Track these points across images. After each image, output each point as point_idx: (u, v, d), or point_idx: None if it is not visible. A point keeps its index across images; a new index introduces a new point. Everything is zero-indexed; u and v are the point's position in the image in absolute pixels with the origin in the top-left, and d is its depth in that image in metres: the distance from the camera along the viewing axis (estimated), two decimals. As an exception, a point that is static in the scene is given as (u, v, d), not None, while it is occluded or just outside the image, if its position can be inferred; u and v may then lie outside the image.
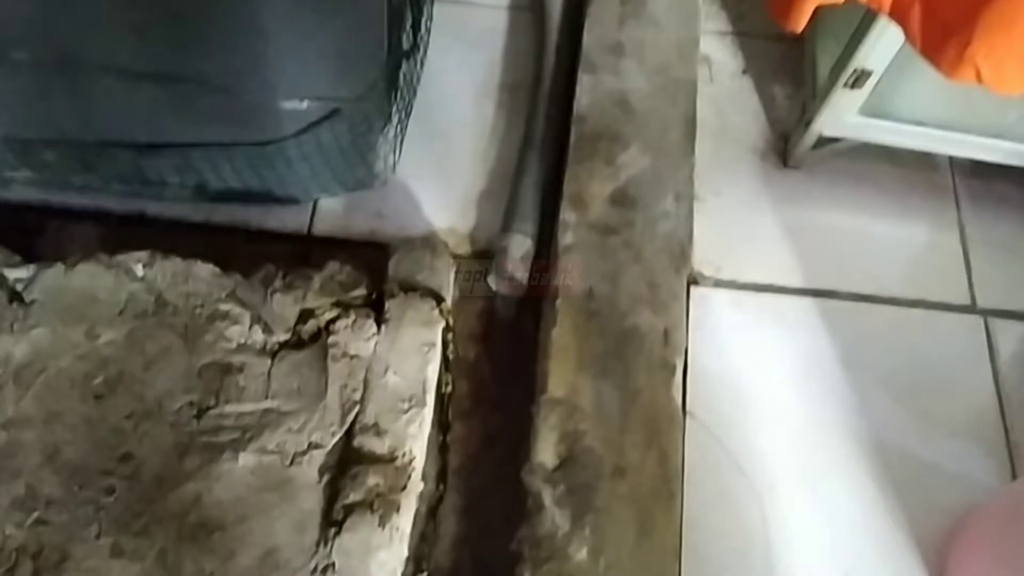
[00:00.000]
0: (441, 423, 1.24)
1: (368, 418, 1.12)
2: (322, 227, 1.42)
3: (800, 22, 1.14)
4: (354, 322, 1.18)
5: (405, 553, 1.09)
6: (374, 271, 1.26)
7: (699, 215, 1.41)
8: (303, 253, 1.34)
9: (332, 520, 1.05)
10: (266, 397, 1.13)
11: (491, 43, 1.65)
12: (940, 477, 1.28)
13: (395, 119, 1.38)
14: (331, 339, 1.17)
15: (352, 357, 1.16)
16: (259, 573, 1.02)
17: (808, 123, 1.42)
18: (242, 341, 1.17)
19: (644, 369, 1.21)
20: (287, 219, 1.41)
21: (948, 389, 1.35)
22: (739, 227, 1.47)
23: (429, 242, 1.34)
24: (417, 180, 1.47)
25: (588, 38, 1.50)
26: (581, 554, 1.07)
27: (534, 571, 1.06)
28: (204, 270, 1.21)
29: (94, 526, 1.03)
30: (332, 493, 1.07)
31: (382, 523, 1.05)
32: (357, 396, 1.14)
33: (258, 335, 1.17)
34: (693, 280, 1.39)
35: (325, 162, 1.29)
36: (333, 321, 1.19)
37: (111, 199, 1.37)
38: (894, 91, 1.33)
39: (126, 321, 1.16)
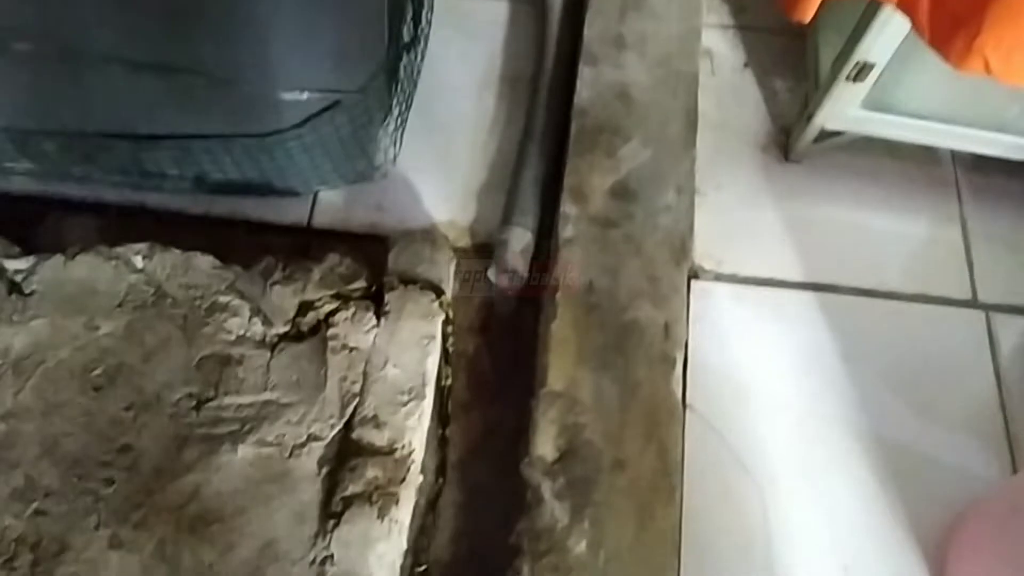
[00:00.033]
0: (440, 416, 1.24)
1: (367, 410, 1.12)
2: (322, 219, 1.41)
3: (808, 12, 1.13)
4: (354, 314, 1.18)
5: (404, 545, 1.09)
6: (374, 264, 1.26)
7: (700, 209, 1.40)
8: (303, 245, 1.34)
9: (331, 512, 1.05)
10: (265, 389, 1.13)
11: (492, 35, 1.64)
12: (940, 471, 1.27)
13: (395, 111, 1.38)
14: (330, 331, 1.17)
15: (351, 349, 1.16)
16: (258, 565, 1.02)
17: (810, 117, 1.41)
18: (241, 333, 1.17)
19: (644, 362, 1.20)
20: (287, 211, 1.41)
21: (949, 383, 1.35)
22: (740, 221, 1.46)
23: (429, 235, 1.34)
24: (417, 173, 1.46)
25: (589, 30, 1.50)
26: (580, 547, 1.07)
27: (533, 564, 1.06)
28: (204, 262, 1.21)
29: (93, 517, 1.04)
30: (331, 485, 1.07)
31: (381, 515, 1.05)
32: (356, 388, 1.13)
33: (257, 327, 1.17)
34: (694, 274, 1.38)
35: (325, 154, 1.28)
36: (333, 313, 1.19)
37: (111, 191, 1.37)
38: (896, 84, 1.33)
39: (125, 313, 1.16)
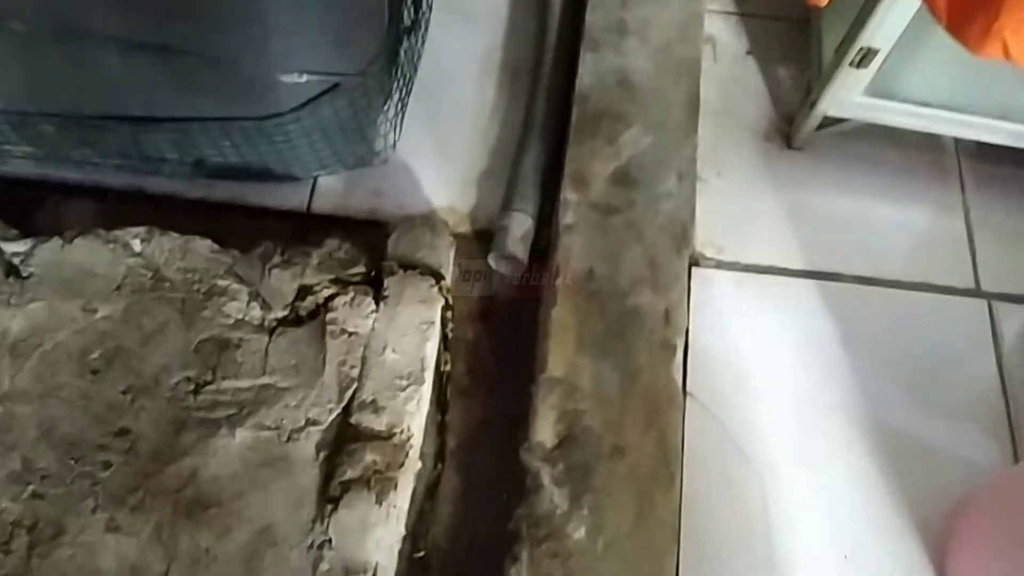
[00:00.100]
0: (439, 402, 1.24)
1: (366, 395, 1.11)
2: (321, 205, 1.41)
3: None
4: (352, 299, 1.18)
5: (402, 531, 1.09)
6: (373, 249, 1.26)
7: (701, 196, 1.40)
8: (302, 231, 1.33)
9: (329, 497, 1.05)
10: (263, 373, 1.13)
11: (493, 20, 1.63)
12: (942, 460, 1.27)
13: (395, 96, 1.37)
14: (329, 316, 1.16)
15: (350, 334, 1.15)
16: (255, 549, 1.02)
17: (813, 103, 1.40)
18: (240, 317, 1.16)
19: (644, 349, 1.20)
20: (286, 196, 1.40)
21: (951, 373, 1.34)
22: (742, 208, 1.46)
23: (429, 220, 1.33)
24: (417, 158, 1.45)
25: (591, 16, 1.49)
26: (579, 533, 1.07)
27: (532, 550, 1.06)
28: (202, 246, 1.21)
29: (90, 500, 1.03)
30: (329, 470, 1.07)
31: (379, 500, 1.05)
32: (355, 373, 1.13)
33: (256, 311, 1.17)
34: (695, 261, 1.38)
35: (324, 139, 1.28)
36: (331, 298, 1.18)
37: (110, 174, 1.36)
38: (900, 71, 1.32)
39: (123, 296, 1.16)
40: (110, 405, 1.09)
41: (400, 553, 1.08)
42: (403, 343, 1.16)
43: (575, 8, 1.55)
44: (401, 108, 1.41)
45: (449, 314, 1.24)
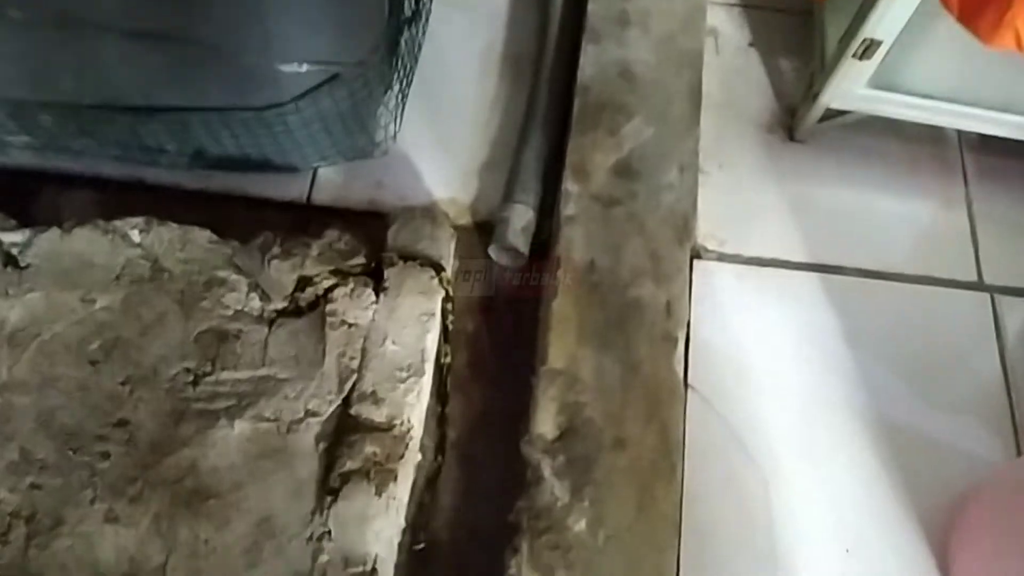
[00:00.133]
0: (440, 394, 1.23)
1: (366, 386, 1.11)
2: (321, 196, 1.40)
3: None
4: (352, 290, 1.17)
5: (402, 523, 1.08)
6: (373, 241, 1.25)
7: (703, 188, 1.39)
8: (302, 222, 1.32)
9: (328, 488, 1.05)
10: (263, 364, 1.12)
11: (494, 11, 1.62)
12: (944, 454, 1.26)
13: (396, 87, 1.36)
14: (329, 307, 1.16)
15: (350, 325, 1.15)
16: (254, 540, 1.02)
17: (815, 95, 1.40)
18: (239, 308, 1.16)
19: (646, 341, 1.19)
20: (286, 187, 1.39)
21: (954, 366, 1.34)
22: (744, 201, 1.45)
23: (429, 212, 1.32)
24: (418, 150, 1.45)
25: (593, 7, 1.48)
26: (580, 525, 1.06)
27: (532, 542, 1.05)
28: (201, 237, 1.20)
29: (88, 491, 1.03)
30: (329, 461, 1.07)
31: (379, 492, 1.04)
32: (355, 364, 1.12)
33: (255, 302, 1.16)
34: (696, 254, 1.37)
35: (324, 129, 1.27)
36: (331, 289, 1.18)
37: (109, 165, 1.36)
38: (903, 62, 1.31)
39: (122, 287, 1.15)
40: (109, 396, 1.09)
41: (400, 545, 1.08)
42: (403, 334, 1.15)
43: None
44: (402, 99, 1.40)
45: (449, 306, 1.24)
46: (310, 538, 1.02)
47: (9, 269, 1.15)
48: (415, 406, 1.11)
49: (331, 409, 1.10)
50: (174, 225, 1.20)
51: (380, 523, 1.03)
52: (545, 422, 1.12)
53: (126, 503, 1.02)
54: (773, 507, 1.21)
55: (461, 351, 1.28)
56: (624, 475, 1.11)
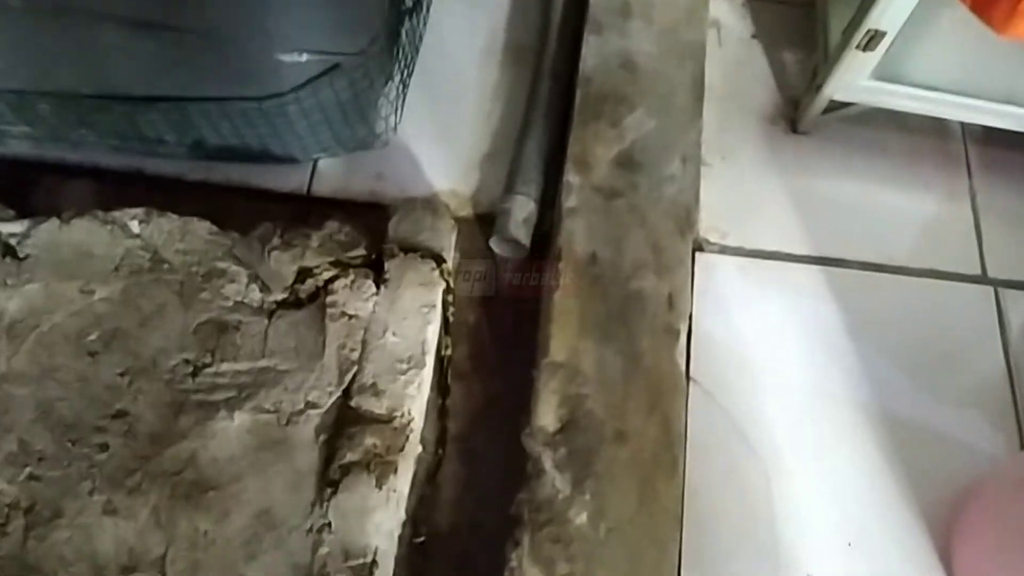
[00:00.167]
0: (440, 386, 1.23)
1: (366, 378, 1.10)
2: (321, 187, 1.39)
3: None
4: (353, 282, 1.17)
5: (402, 515, 1.08)
6: (374, 232, 1.24)
7: (706, 180, 1.39)
8: (302, 213, 1.31)
9: (328, 480, 1.04)
10: (263, 356, 1.11)
11: (496, 2, 1.61)
12: (948, 448, 1.26)
13: (397, 77, 1.35)
14: (329, 299, 1.15)
15: (351, 317, 1.14)
16: (254, 532, 1.01)
17: (819, 87, 1.39)
18: (239, 299, 1.15)
19: (647, 333, 1.19)
20: (286, 179, 1.38)
21: (957, 360, 1.33)
22: (746, 193, 1.44)
23: (430, 203, 1.31)
24: (419, 141, 1.44)
25: (595, -3, 1.47)
26: (581, 518, 1.06)
27: (533, 535, 1.05)
28: (201, 228, 1.19)
29: (87, 483, 1.02)
30: (329, 453, 1.06)
31: (379, 484, 1.04)
32: (355, 356, 1.12)
33: (255, 293, 1.15)
34: (698, 246, 1.37)
35: (325, 120, 1.26)
36: (332, 280, 1.17)
37: (108, 156, 1.35)
38: (907, 54, 1.30)
39: (121, 278, 1.15)
40: (108, 387, 1.08)
41: (400, 538, 1.07)
42: (404, 326, 1.14)
43: (579, -10, 1.53)
44: (402, 90, 1.39)
45: (450, 298, 1.23)
46: (310, 530, 1.02)
47: (8, 260, 1.14)
48: (416, 398, 1.10)
49: (331, 401, 1.09)
50: (173, 216, 1.19)
51: (380, 515, 1.03)
52: (546, 415, 1.12)
53: (125, 495, 1.02)
54: (775, 500, 1.20)
55: (462, 343, 1.27)
56: (625, 468, 1.10)
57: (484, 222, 1.37)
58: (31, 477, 1.02)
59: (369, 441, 1.05)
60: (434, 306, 1.17)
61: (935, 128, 1.52)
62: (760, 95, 1.55)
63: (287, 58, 1.12)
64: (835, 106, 1.43)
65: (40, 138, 1.30)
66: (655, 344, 1.18)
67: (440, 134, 1.45)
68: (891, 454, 1.25)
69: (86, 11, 1.06)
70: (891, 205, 1.46)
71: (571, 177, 1.30)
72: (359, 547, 1.00)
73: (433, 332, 1.16)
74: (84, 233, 1.17)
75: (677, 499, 1.10)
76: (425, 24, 1.50)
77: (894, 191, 1.47)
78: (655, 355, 1.18)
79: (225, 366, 1.10)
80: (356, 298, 1.15)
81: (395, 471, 1.05)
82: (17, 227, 1.16)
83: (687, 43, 1.45)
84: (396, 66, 1.34)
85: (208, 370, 1.10)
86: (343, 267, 1.18)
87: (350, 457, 1.05)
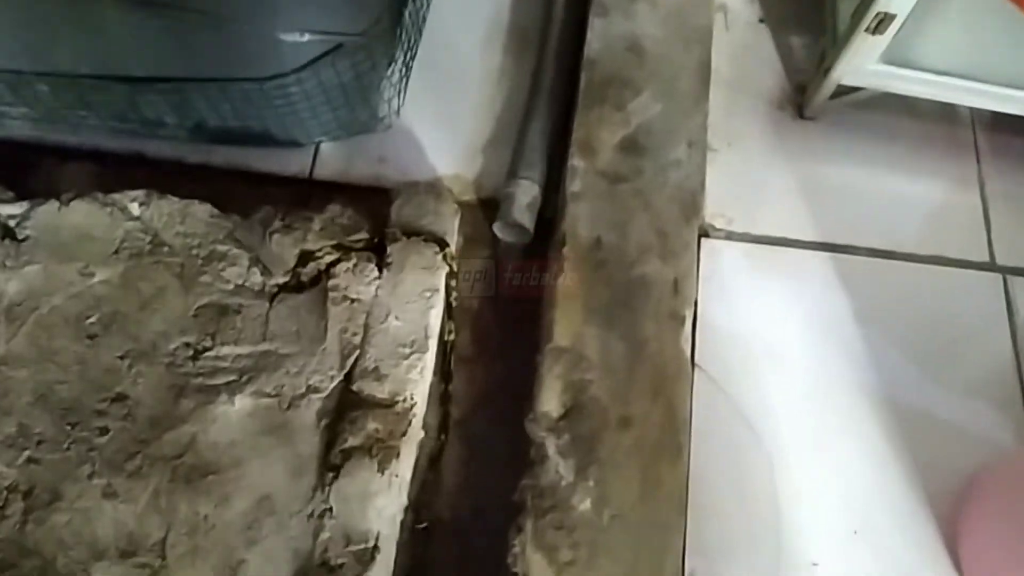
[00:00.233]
0: (443, 371, 1.22)
1: (368, 362, 1.09)
2: (323, 171, 1.38)
3: None
4: (355, 265, 1.16)
5: (404, 500, 1.07)
6: (376, 216, 1.23)
7: (712, 166, 1.37)
8: (303, 197, 1.30)
9: (330, 465, 1.03)
10: (264, 339, 1.11)
11: (500, -16, 1.60)
12: (954, 437, 1.24)
13: (400, 60, 1.34)
14: (331, 282, 1.14)
15: (353, 301, 1.13)
16: (255, 517, 1.00)
17: (827, 71, 1.37)
18: (240, 282, 1.14)
19: (652, 319, 1.18)
20: (287, 162, 1.37)
21: (965, 348, 1.32)
22: (753, 179, 1.43)
23: (433, 187, 1.30)
24: (422, 125, 1.42)
25: (601, -20, 1.45)
26: (585, 505, 1.05)
27: (536, 521, 1.04)
28: (202, 210, 1.18)
29: (86, 466, 1.01)
30: (330, 438, 1.05)
31: (381, 469, 1.03)
32: (357, 340, 1.11)
33: (256, 277, 1.14)
34: (704, 232, 1.35)
35: (327, 102, 1.25)
36: (334, 264, 1.16)
37: (108, 138, 1.33)
38: (917, 37, 1.29)
39: (121, 260, 1.14)
40: (107, 370, 1.07)
41: (402, 523, 1.07)
42: (406, 310, 1.13)
43: (584, -28, 1.51)
44: (405, 72, 1.38)
45: (453, 282, 1.22)
46: (311, 515, 1.01)
47: (7, 242, 1.13)
48: (418, 382, 1.10)
49: (333, 385, 1.08)
50: (174, 199, 1.18)
51: (382, 500, 1.02)
52: (550, 400, 1.11)
53: (125, 478, 1.01)
54: (780, 488, 1.19)
55: (465, 328, 1.26)
56: (629, 454, 1.09)
57: (487, 207, 1.35)
58: (30, 460, 1.01)
59: (371, 426, 1.05)
60: (437, 290, 1.16)
61: (944, 114, 1.50)
62: (767, 80, 1.53)
63: (288, 38, 1.11)
64: (843, 91, 1.41)
65: (39, 119, 1.28)
66: (660, 330, 1.17)
67: (443, 117, 1.44)
68: (897, 442, 1.23)
69: (85, -11, 1.05)
70: (899, 191, 1.44)
71: (575, 161, 1.28)
72: (361, 532, 1.00)
73: (436, 316, 1.15)
74: (84, 215, 1.16)
75: (681, 486, 1.09)
76: (429, 6, 1.49)
77: (902, 177, 1.46)
78: (660, 341, 1.16)
79: (226, 350, 1.10)
80: (358, 282, 1.15)
81: (397, 456, 1.04)
82: (16, 209, 1.15)
83: (693, 26, 1.43)
84: (399, 48, 1.32)
85: (209, 354, 1.09)
86: (345, 251, 1.17)
87: (352, 442, 1.04)
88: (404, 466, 1.06)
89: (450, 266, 1.19)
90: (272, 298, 1.13)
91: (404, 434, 1.06)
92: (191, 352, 1.09)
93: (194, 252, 1.15)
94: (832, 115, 1.48)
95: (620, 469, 1.08)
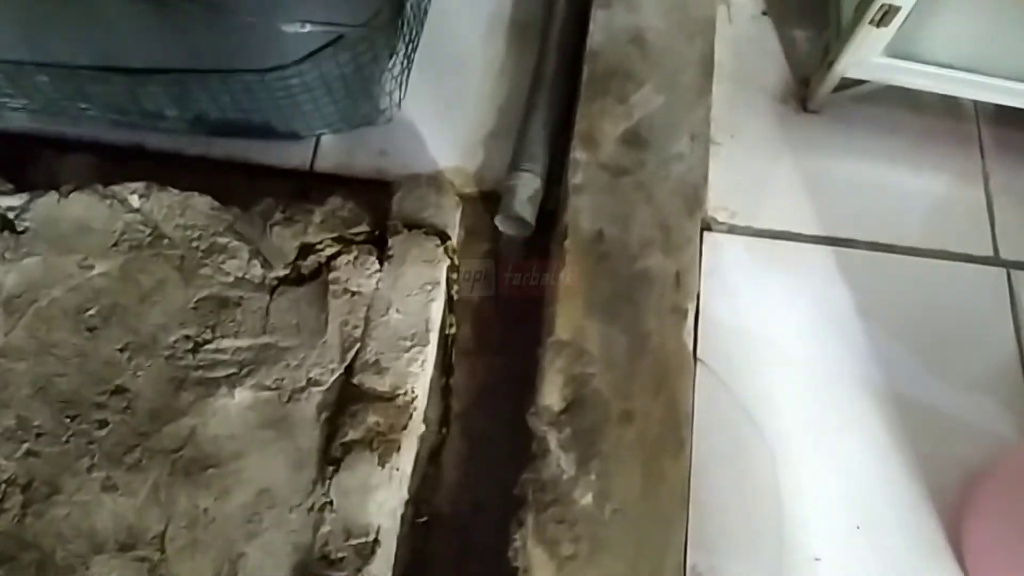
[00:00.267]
0: (444, 365, 1.21)
1: (369, 355, 1.09)
2: (324, 164, 1.37)
3: None
4: (356, 258, 1.15)
5: (405, 494, 1.07)
6: (377, 209, 1.23)
7: (714, 159, 1.36)
8: (304, 190, 1.30)
9: (330, 458, 1.03)
10: (264, 332, 1.10)
11: (502, -25, 1.59)
12: (958, 431, 1.24)
13: (401, 52, 1.33)
14: (332, 275, 1.14)
15: (353, 293, 1.13)
16: (255, 510, 1.00)
17: (831, 64, 1.36)
18: (240, 275, 1.13)
19: (654, 313, 1.17)
20: (288, 155, 1.36)
21: (968, 342, 1.31)
22: (755, 172, 1.42)
23: (435, 180, 1.29)
24: (423, 118, 1.42)
25: (603, -28, 1.44)
26: (586, 499, 1.05)
27: (537, 515, 1.04)
28: (202, 203, 1.18)
29: (86, 459, 1.01)
30: (331, 431, 1.05)
31: (381, 462, 1.03)
32: (358, 333, 1.10)
33: (256, 269, 1.14)
34: (706, 226, 1.34)
35: (328, 94, 1.24)
36: (334, 257, 1.16)
37: (108, 130, 1.33)
38: (921, 30, 1.28)
39: (121, 252, 1.13)
40: (107, 363, 1.07)
41: (403, 517, 1.06)
42: (407, 303, 1.13)
43: (587, -36, 1.50)
44: (407, 65, 1.37)
45: (455, 275, 1.21)
46: (311, 508, 1.01)
47: (6, 233, 1.13)
48: (419, 376, 1.09)
49: (333, 378, 1.08)
50: (174, 191, 1.18)
51: (383, 494, 1.01)
52: (551, 394, 1.10)
53: (124, 471, 1.01)
54: (782, 482, 1.19)
55: (466, 321, 1.26)
56: (631, 448, 1.09)
57: (489, 200, 1.35)
58: (29, 453, 1.01)
59: (371, 419, 1.04)
60: (438, 283, 1.16)
61: (947, 107, 1.49)
62: (770, 73, 1.52)
63: (289, 29, 1.10)
64: (846, 84, 1.41)
65: (39, 111, 1.28)
66: (662, 323, 1.17)
67: (445, 110, 1.43)
68: (900, 437, 1.23)
69: (84, -21, 1.05)
70: (902, 185, 1.44)
71: (577, 154, 1.28)
72: (361, 526, 0.99)
73: (437, 309, 1.15)
74: (83, 207, 1.15)
75: (683, 480, 1.09)
76: (430, -2, 1.48)
77: (905, 171, 1.45)
78: (662, 334, 1.16)
79: (226, 342, 1.09)
80: (359, 274, 1.14)
81: (398, 449, 1.04)
82: (15, 200, 1.15)
83: (696, 19, 1.43)
84: (400, 40, 1.32)
85: (208, 346, 1.09)
86: (346, 243, 1.17)
87: (352, 435, 1.03)
88: (405, 460, 1.05)
89: (451, 259, 1.19)
90: (272, 291, 1.13)
91: (405, 428, 1.05)
92: (191, 345, 1.08)
93: (194, 244, 1.14)
94: (835, 108, 1.47)
95: (622, 463, 1.07)
